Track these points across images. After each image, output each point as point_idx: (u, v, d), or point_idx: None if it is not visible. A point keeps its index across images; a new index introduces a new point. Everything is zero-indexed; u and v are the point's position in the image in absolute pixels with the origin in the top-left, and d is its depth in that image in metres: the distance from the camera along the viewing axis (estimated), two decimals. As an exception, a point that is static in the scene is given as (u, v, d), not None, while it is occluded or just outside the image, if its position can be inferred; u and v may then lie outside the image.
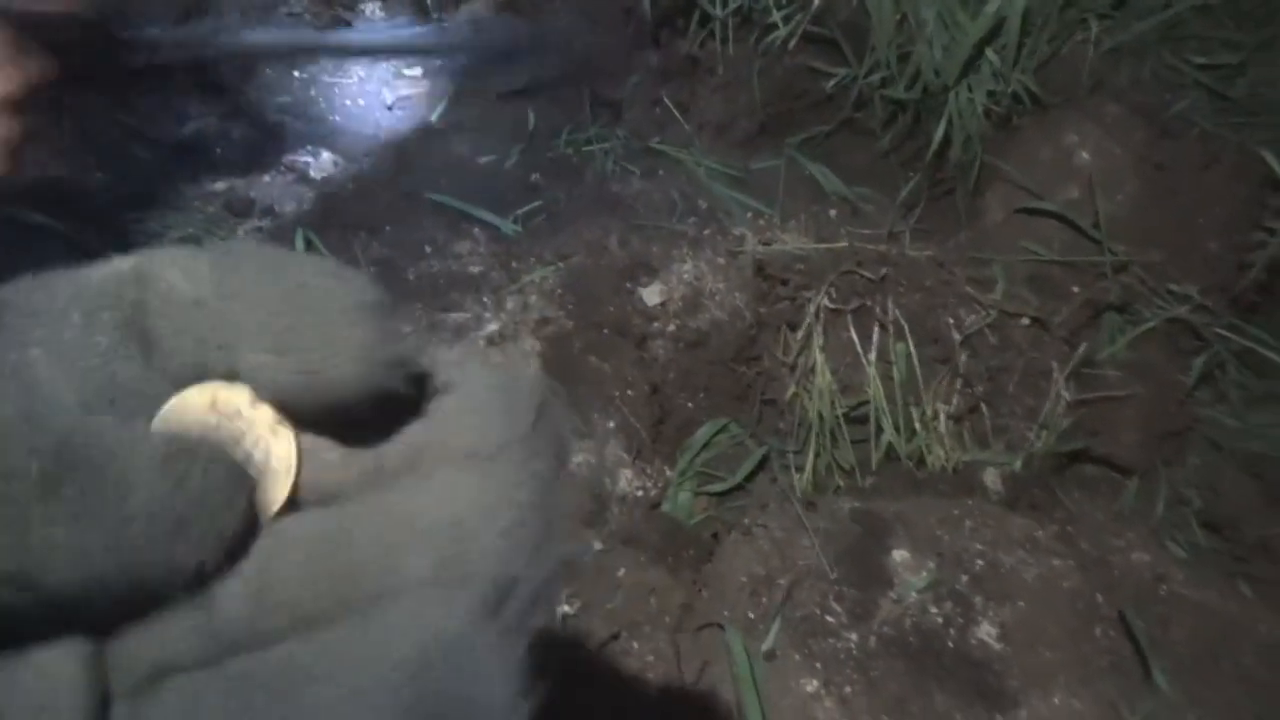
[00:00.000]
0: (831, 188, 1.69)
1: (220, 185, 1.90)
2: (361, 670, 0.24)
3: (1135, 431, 1.36)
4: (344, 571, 0.25)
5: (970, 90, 1.55)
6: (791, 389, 1.28)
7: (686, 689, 0.95)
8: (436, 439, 0.27)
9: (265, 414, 0.27)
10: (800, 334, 1.25)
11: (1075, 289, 1.46)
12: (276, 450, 0.27)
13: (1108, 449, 1.33)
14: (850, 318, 1.27)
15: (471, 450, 0.27)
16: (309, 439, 0.27)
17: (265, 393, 0.26)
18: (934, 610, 0.97)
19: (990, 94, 1.55)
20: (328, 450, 0.28)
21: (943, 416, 1.23)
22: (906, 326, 1.24)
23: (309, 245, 1.61)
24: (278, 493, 0.27)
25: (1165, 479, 1.32)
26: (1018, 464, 1.24)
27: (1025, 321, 1.28)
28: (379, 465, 0.27)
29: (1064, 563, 1.00)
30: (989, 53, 1.49)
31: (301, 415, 0.27)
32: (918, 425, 1.23)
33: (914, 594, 0.98)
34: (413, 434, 0.27)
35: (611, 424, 1.18)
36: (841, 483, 1.23)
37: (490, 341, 1.27)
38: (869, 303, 1.26)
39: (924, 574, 1.00)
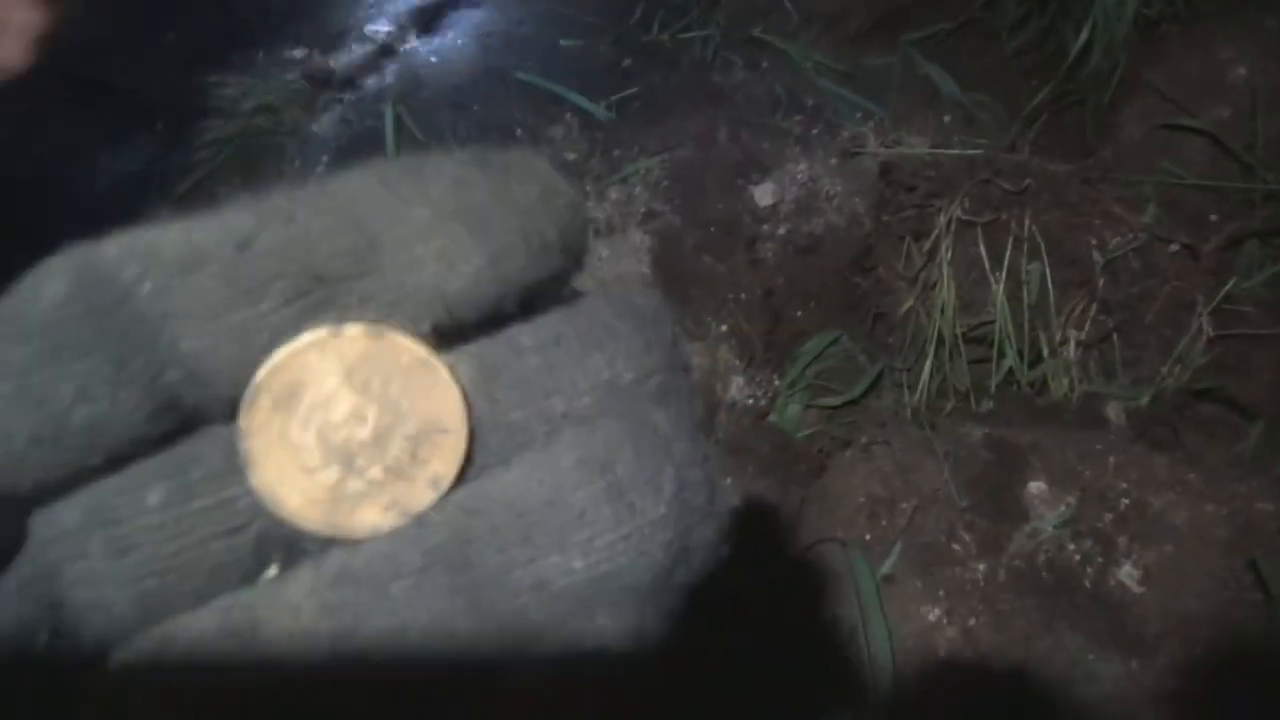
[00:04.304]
0: (948, 91, 1.57)
1: (298, 53, 1.81)
2: None
3: (1269, 373, 1.28)
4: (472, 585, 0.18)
5: (1121, -9, 1.42)
6: (909, 303, 1.21)
7: (801, 605, 0.91)
8: (566, 362, 0.20)
9: (409, 350, 0.19)
10: (927, 245, 1.17)
11: (1214, 217, 1.36)
12: (438, 402, 0.19)
13: (1236, 390, 1.25)
14: (980, 231, 1.18)
15: (611, 380, 0.20)
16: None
17: (412, 311, 0.19)
18: (1071, 547, 0.92)
19: (1142, -3, 1.41)
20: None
21: (1072, 343, 1.15)
22: (1043, 245, 1.15)
23: (398, 120, 1.54)
24: (447, 465, 0.19)
25: (1295, 426, 1.24)
26: (1145, 399, 1.16)
27: (1174, 248, 1.19)
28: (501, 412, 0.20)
29: (1217, 509, 0.94)
30: (1149, -51, 1.36)
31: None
32: (1045, 351, 1.15)
33: (1050, 529, 0.93)
34: (534, 359, 0.20)
35: (724, 328, 1.12)
36: (956, 405, 1.17)
37: (595, 233, 1.20)
38: (1004, 216, 1.17)
39: (1062, 508, 0.95)
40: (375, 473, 0.18)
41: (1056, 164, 1.24)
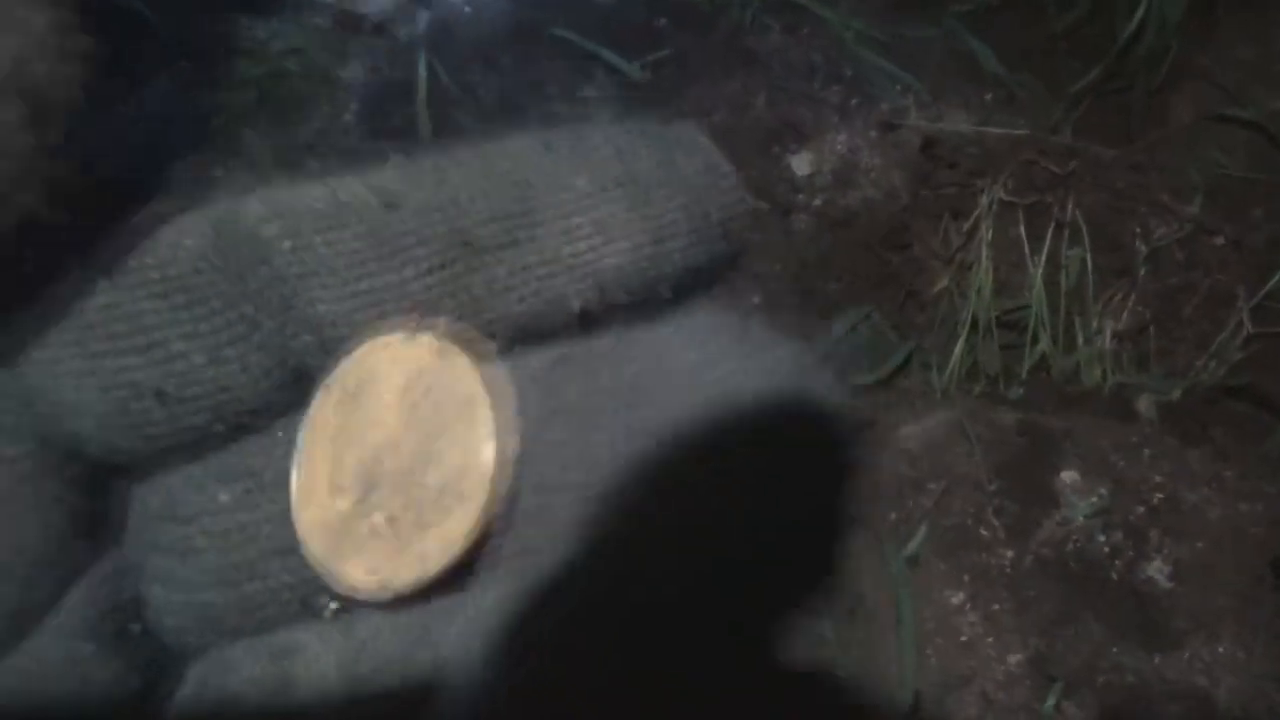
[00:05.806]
0: (991, 68, 1.54)
1: (328, -5, 1.78)
2: None
3: (1302, 372, 1.26)
4: None
5: (1177, -30, 1.37)
6: (943, 283, 1.19)
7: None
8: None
9: (466, 377, 0.16)
10: (967, 225, 1.15)
11: (1257, 211, 1.33)
12: (469, 456, 0.16)
13: (1271, 389, 1.23)
14: (1022, 213, 1.16)
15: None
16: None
17: (563, 286, 0.16)
18: (1101, 538, 0.91)
19: (1199, -24, 1.37)
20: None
21: (1108, 332, 1.13)
22: (1085, 230, 1.13)
23: (431, 70, 1.51)
24: (444, 543, 0.16)
25: (1327, 427, 1.22)
26: (1177, 393, 1.15)
27: (1219, 241, 1.16)
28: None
29: (1252, 507, 0.93)
30: (1210, -73, 1.32)
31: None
32: (1080, 338, 1.13)
33: (1081, 519, 0.92)
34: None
35: (756, 299, 1.10)
36: (985, 389, 1.15)
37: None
38: (1048, 199, 1.14)
39: (1094, 499, 0.93)
40: (379, 518, 0.16)
41: (1104, 148, 1.21)
